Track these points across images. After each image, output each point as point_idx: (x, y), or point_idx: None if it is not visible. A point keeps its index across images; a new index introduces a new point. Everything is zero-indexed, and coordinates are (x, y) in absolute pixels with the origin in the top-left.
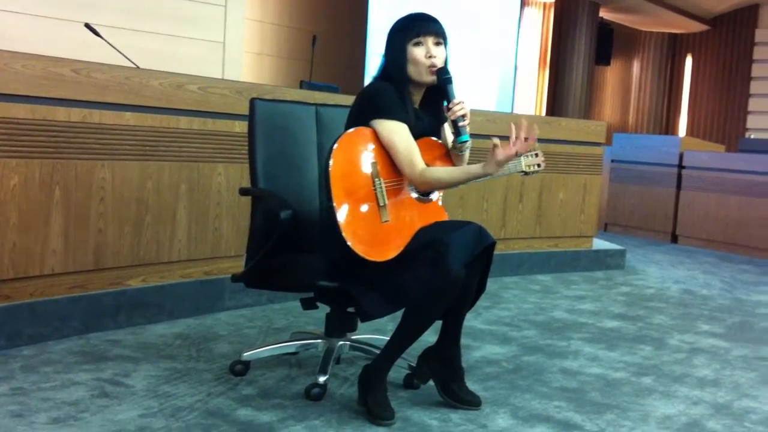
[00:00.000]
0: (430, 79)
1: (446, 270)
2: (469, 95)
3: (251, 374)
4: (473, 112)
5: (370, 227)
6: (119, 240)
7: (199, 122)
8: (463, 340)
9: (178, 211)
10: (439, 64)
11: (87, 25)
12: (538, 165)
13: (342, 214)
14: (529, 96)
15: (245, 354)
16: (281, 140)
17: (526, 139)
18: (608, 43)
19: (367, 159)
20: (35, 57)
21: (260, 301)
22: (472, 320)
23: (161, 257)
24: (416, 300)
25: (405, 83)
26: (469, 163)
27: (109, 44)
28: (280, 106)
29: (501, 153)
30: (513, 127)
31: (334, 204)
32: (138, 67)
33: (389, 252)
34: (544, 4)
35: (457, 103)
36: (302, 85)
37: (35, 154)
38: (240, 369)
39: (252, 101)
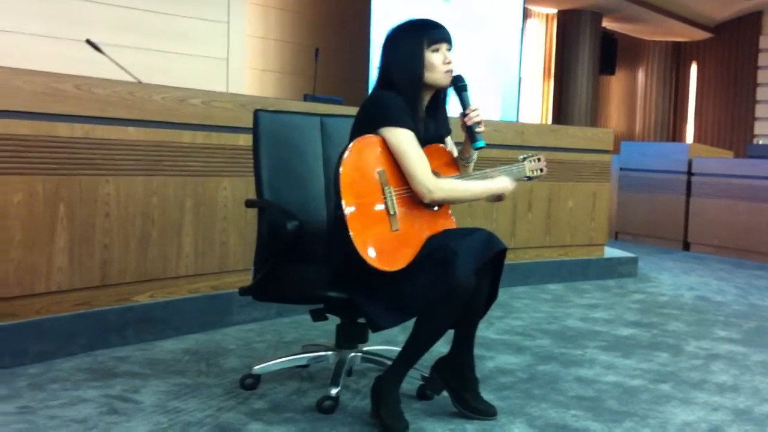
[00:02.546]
0: (447, 83)
1: (454, 277)
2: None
3: (262, 388)
4: None
5: (381, 236)
6: (125, 256)
7: (203, 136)
8: (476, 351)
9: (184, 225)
10: (455, 70)
11: (88, 41)
12: (541, 170)
13: (353, 223)
14: (534, 106)
15: (256, 368)
16: (286, 151)
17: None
18: (612, 53)
19: (377, 167)
20: (37, 73)
21: (269, 315)
22: (484, 330)
23: (168, 272)
24: (425, 308)
25: (419, 89)
26: (475, 169)
27: (111, 59)
28: (284, 117)
29: None
30: None
31: (345, 213)
32: (140, 82)
33: (399, 262)
34: (547, 15)
35: (474, 110)
36: (306, 98)
37: (38, 170)
38: (250, 383)
39: (256, 112)
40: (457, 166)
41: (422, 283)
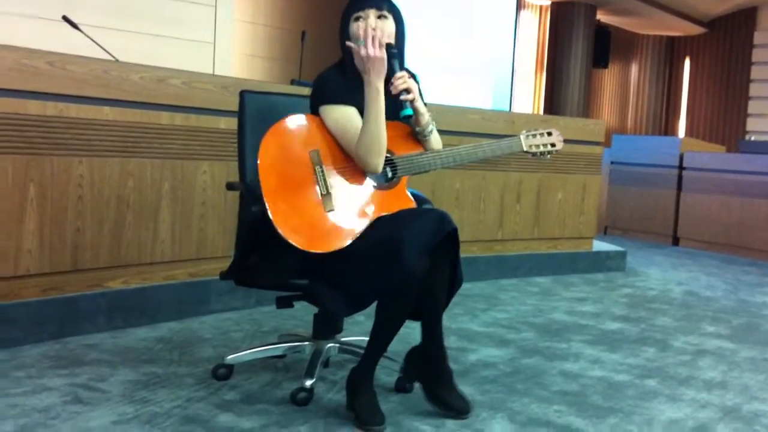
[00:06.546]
0: None
1: (402, 266)
2: (466, 98)
3: (235, 379)
4: (469, 110)
5: (310, 217)
6: (98, 240)
7: (182, 118)
8: (459, 343)
9: (161, 210)
10: (379, 34)
11: (65, 18)
12: (553, 144)
13: (273, 204)
14: (527, 99)
15: (229, 357)
16: None
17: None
18: (606, 46)
19: (307, 147)
20: (7, 48)
21: (248, 304)
22: (468, 322)
23: (143, 258)
24: (377, 298)
25: (353, 62)
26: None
27: (88, 36)
28: (272, 98)
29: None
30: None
31: (264, 194)
32: (117, 60)
33: (335, 242)
34: (540, 7)
35: (399, 77)
36: (293, 83)
37: (7, 149)
38: (223, 373)
39: (242, 93)
40: (416, 142)
41: (371, 272)
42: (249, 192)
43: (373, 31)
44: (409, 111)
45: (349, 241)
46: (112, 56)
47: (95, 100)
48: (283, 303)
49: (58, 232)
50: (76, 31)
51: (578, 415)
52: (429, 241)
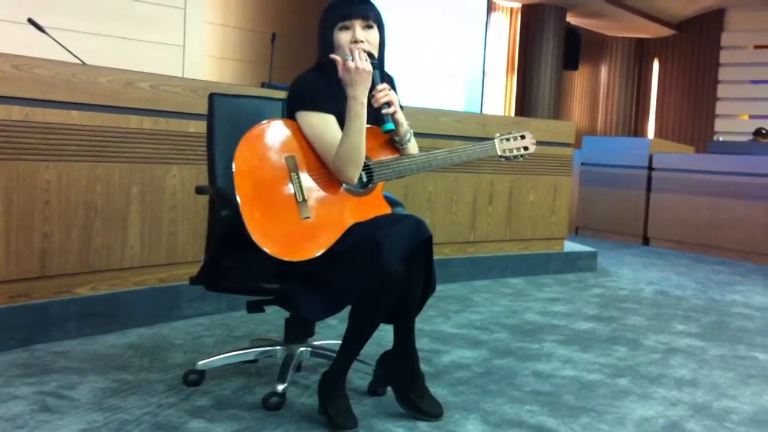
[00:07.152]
0: None
1: (381, 267)
2: (437, 100)
3: (206, 384)
4: (442, 112)
5: (285, 225)
6: (66, 245)
7: (151, 121)
8: (433, 344)
9: (129, 215)
10: (367, 48)
11: (30, 20)
12: (525, 147)
13: (249, 212)
14: (497, 101)
15: (200, 363)
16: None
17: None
18: (576, 49)
19: (283, 153)
20: None
21: (219, 309)
22: (441, 324)
23: (112, 264)
24: (354, 300)
25: (335, 70)
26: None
27: (54, 39)
28: (241, 101)
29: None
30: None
31: (239, 202)
32: (84, 64)
33: (311, 251)
34: (511, 9)
35: (380, 90)
36: (263, 86)
37: None
38: (194, 379)
39: (211, 96)
40: (393, 148)
41: (350, 274)
42: (219, 196)
43: (361, 43)
44: (390, 125)
45: (324, 249)
46: (80, 59)
47: (62, 104)
48: (254, 308)
49: (25, 238)
50: (42, 33)
51: (551, 414)
52: (405, 247)
